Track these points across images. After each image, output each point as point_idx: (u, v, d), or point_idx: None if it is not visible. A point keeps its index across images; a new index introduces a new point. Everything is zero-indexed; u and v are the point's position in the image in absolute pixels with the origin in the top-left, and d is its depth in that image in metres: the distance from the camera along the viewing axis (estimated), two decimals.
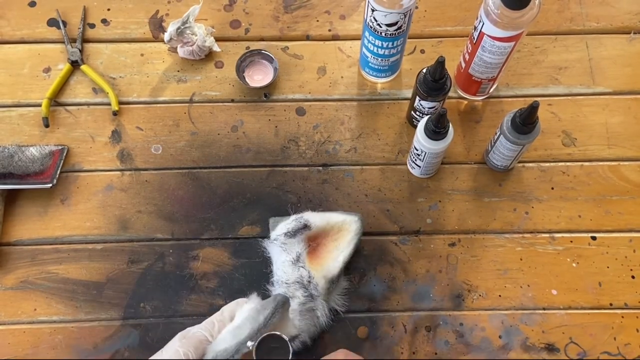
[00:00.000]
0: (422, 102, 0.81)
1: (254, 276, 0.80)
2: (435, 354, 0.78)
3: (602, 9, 0.96)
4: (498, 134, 0.80)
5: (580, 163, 0.87)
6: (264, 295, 0.75)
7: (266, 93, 0.91)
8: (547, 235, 0.84)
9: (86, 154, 0.87)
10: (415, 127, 0.88)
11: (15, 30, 0.94)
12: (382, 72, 0.89)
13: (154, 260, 0.82)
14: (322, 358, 0.66)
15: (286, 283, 0.74)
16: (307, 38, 0.94)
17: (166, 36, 0.89)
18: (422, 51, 0.94)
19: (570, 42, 0.94)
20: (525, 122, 0.75)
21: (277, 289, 0.75)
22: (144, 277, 0.81)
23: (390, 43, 0.81)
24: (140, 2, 0.96)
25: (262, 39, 0.94)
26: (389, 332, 0.79)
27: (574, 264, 0.82)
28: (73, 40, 0.93)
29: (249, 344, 0.63)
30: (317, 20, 0.95)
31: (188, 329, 0.66)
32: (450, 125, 0.77)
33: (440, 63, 0.75)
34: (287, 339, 0.63)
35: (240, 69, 0.91)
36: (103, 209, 0.84)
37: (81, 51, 0.92)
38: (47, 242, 0.83)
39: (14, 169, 0.83)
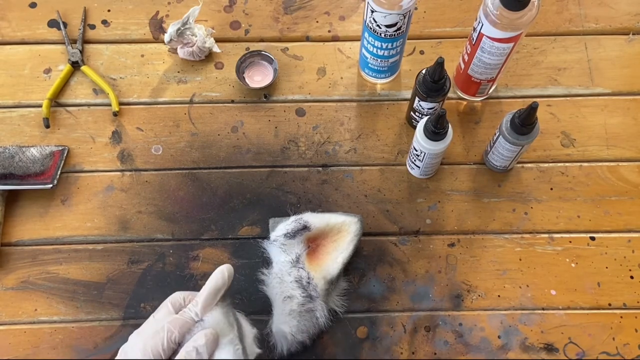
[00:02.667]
0: (422, 103, 0.81)
1: (254, 276, 0.80)
2: (435, 354, 0.78)
3: (601, 9, 0.96)
4: (497, 135, 0.80)
5: (579, 164, 0.87)
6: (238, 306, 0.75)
7: (266, 94, 0.91)
8: (546, 235, 0.84)
9: (87, 155, 0.87)
10: (414, 127, 0.88)
11: (16, 31, 0.94)
12: (382, 73, 0.89)
13: (154, 261, 0.82)
14: None
15: (283, 280, 0.74)
16: (307, 39, 0.95)
17: (166, 37, 0.89)
18: (422, 52, 0.94)
19: (569, 43, 0.94)
20: (525, 123, 0.75)
21: (274, 286, 0.75)
22: (144, 277, 0.81)
23: (390, 44, 0.82)
24: (140, 3, 0.96)
25: (262, 40, 0.94)
26: (389, 332, 0.79)
27: (572, 264, 0.82)
28: (73, 41, 0.93)
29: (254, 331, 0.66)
30: (317, 22, 0.95)
31: (175, 297, 0.66)
32: (450, 126, 0.77)
33: (440, 64, 0.75)
34: None
35: (240, 70, 0.91)
36: (103, 210, 0.84)
37: (82, 52, 0.92)
38: (47, 243, 0.83)
39: (14, 169, 0.83)
